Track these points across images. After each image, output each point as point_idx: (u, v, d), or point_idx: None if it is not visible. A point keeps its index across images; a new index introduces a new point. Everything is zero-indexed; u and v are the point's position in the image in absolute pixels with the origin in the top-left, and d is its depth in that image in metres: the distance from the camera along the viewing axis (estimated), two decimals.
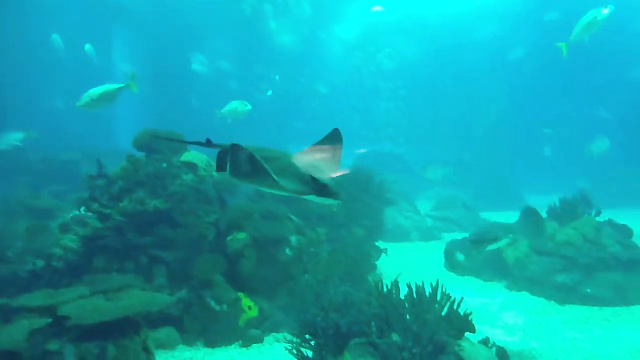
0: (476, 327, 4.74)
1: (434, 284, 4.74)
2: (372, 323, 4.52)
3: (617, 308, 7.62)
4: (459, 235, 12.37)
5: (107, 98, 7.71)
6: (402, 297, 4.72)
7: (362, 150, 24.21)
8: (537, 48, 22.88)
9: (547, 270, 8.39)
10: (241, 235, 6.96)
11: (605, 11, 9.32)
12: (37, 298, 4.89)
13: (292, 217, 7.94)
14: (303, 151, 3.58)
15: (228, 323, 6.30)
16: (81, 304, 4.67)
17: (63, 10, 24.63)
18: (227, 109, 11.18)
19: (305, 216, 8.48)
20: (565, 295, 7.97)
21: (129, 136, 8.42)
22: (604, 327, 6.84)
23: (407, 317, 4.50)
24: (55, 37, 21.54)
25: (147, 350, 4.79)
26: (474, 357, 4.41)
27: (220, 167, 3.16)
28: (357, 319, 4.55)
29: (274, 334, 6.53)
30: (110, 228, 6.77)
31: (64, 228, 7.26)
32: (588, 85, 26.48)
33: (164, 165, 7.60)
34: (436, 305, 4.64)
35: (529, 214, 9.34)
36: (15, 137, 12.39)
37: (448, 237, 12.92)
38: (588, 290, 7.90)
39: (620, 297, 7.79)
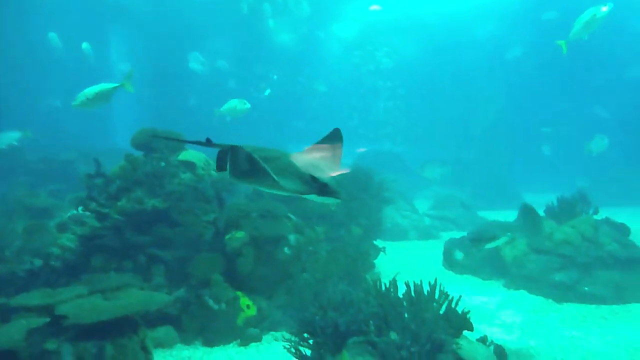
0: (474, 325, 4.75)
1: (432, 283, 4.75)
2: (371, 322, 4.52)
3: (614, 306, 7.64)
4: (457, 234, 12.39)
5: (103, 97, 7.71)
6: (400, 295, 4.72)
7: (362, 150, 24.23)
8: (536, 47, 22.92)
9: (545, 268, 8.41)
10: (240, 234, 6.96)
11: (604, 9, 9.32)
12: (35, 297, 4.88)
13: (291, 216, 7.94)
14: (304, 150, 3.58)
15: (226, 322, 6.29)
16: (79, 303, 4.67)
17: (61, 9, 24.57)
18: (226, 107, 11.18)
19: (304, 215, 8.48)
20: (563, 293, 8.00)
21: (127, 135, 8.42)
22: (602, 326, 6.86)
23: (406, 315, 4.51)
24: (53, 36, 21.50)
25: (145, 349, 4.79)
26: (472, 356, 4.41)
27: (220, 167, 3.15)
28: (356, 318, 4.55)
29: (273, 332, 6.54)
30: (108, 227, 6.76)
31: (62, 227, 7.26)
32: (586, 84, 26.53)
33: (162, 164, 7.59)
34: (434, 304, 4.64)
35: (526, 211, 9.36)
36: (11, 137, 12.37)
37: (446, 236, 12.93)
38: (586, 288, 7.92)
39: (618, 296, 7.81)
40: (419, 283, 4.73)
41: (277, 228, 7.29)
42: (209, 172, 7.90)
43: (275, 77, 28.63)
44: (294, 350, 4.59)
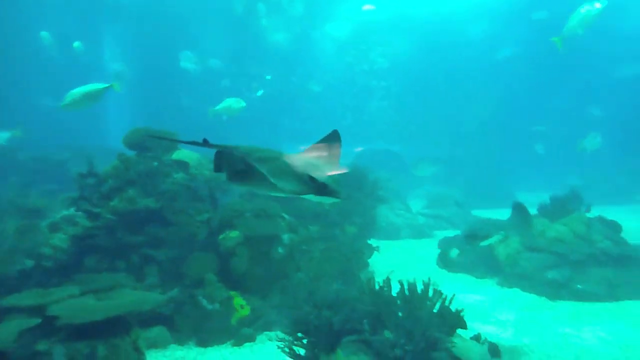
0: (468, 323, 4.76)
1: (426, 281, 4.75)
2: (365, 320, 4.52)
3: (607, 303, 7.69)
4: (450, 233, 12.42)
5: (91, 98, 7.66)
6: (394, 294, 4.72)
7: (359, 149, 24.26)
8: (528, 46, 23.03)
9: (538, 266, 8.45)
10: (233, 234, 6.94)
11: (598, 5, 9.39)
12: (26, 298, 4.84)
13: (285, 215, 7.92)
14: (303, 151, 3.59)
15: (220, 322, 6.27)
16: (71, 303, 4.64)
17: (54, 8, 24.39)
18: (221, 106, 11.18)
19: (298, 214, 8.47)
20: (556, 291, 8.04)
21: (119, 135, 8.37)
22: (595, 323, 6.90)
23: (400, 314, 4.51)
24: (45, 35, 21.33)
25: (138, 350, 4.76)
26: (466, 354, 4.42)
27: (217, 168, 3.13)
28: (350, 317, 4.54)
29: (267, 332, 6.51)
30: (100, 227, 6.72)
31: (54, 227, 7.20)
32: (578, 83, 26.69)
33: (155, 163, 7.55)
34: (428, 302, 4.65)
35: (517, 208, 9.44)
36: (0, 137, 12.27)
37: (440, 234, 12.96)
38: (579, 286, 7.97)
39: (611, 293, 7.87)
40: (413, 281, 4.74)
41: (271, 227, 7.27)
42: (202, 172, 7.87)
43: (268, 77, 28.58)
44: (288, 350, 4.58)
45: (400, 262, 10.70)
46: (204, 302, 6.29)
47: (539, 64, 24.03)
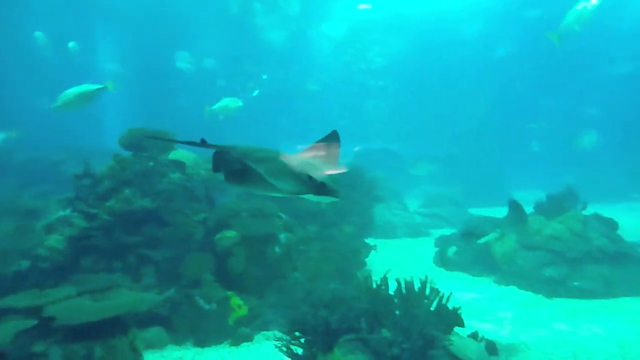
0: (465, 321, 4.77)
1: (422, 280, 4.76)
2: (362, 319, 4.52)
3: (604, 300, 7.72)
4: (447, 232, 12.44)
5: (84, 99, 7.63)
6: (391, 292, 4.73)
7: (357, 148, 24.27)
8: (524, 44, 23.08)
9: (535, 264, 8.47)
10: (230, 234, 6.93)
11: (594, 1, 9.41)
12: (23, 299, 4.82)
13: (282, 215, 7.92)
14: (303, 151, 3.59)
15: (218, 322, 6.27)
16: (68, 304, 4.62)
17: (48, 8, 24.28)
18: (218, 105, 11.17)
19: (295, 214, 8.46)
20: (553, 288, 8.06)
21: (116, 135, 8.33)
22: (592, 320, 6.92)
23: (397, 312, 4.51)
24: (39, 35, 21.23)
25: (135, 350, 4.75)
26: (463, 351, 4.43)
27: (216, 168, 3.13)
28: (347, 316, 4.54)
29: (264, 332, 6.51)
30: (97, 228, 6.70)
31: (50, 228, 7.17)
32: (575, 81, 26.76)
33: (151, 163, 7.53)
34: (425, 301, 4.66)
35: (512, 205, 9.47)
36: None
37: (437, 233, 12.97)
38: (575, 283, 7.99)
39: (607, 290, 7.89)
40: (410, 280, 4.74)
41: (267, 227, 7.27)
42: (198, 172, 7.86)
43: (265, 76, 28.53)
44: (285, 349, 4.58)
45: (397, 260, 10.71)
46: (201, 302, 6.28)
47: (535, 63, 24.08)
